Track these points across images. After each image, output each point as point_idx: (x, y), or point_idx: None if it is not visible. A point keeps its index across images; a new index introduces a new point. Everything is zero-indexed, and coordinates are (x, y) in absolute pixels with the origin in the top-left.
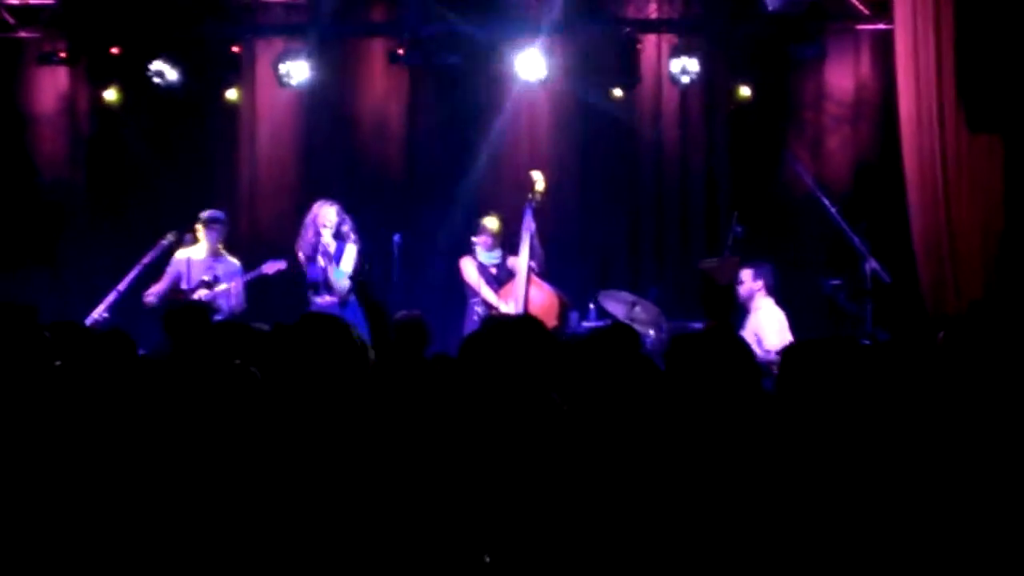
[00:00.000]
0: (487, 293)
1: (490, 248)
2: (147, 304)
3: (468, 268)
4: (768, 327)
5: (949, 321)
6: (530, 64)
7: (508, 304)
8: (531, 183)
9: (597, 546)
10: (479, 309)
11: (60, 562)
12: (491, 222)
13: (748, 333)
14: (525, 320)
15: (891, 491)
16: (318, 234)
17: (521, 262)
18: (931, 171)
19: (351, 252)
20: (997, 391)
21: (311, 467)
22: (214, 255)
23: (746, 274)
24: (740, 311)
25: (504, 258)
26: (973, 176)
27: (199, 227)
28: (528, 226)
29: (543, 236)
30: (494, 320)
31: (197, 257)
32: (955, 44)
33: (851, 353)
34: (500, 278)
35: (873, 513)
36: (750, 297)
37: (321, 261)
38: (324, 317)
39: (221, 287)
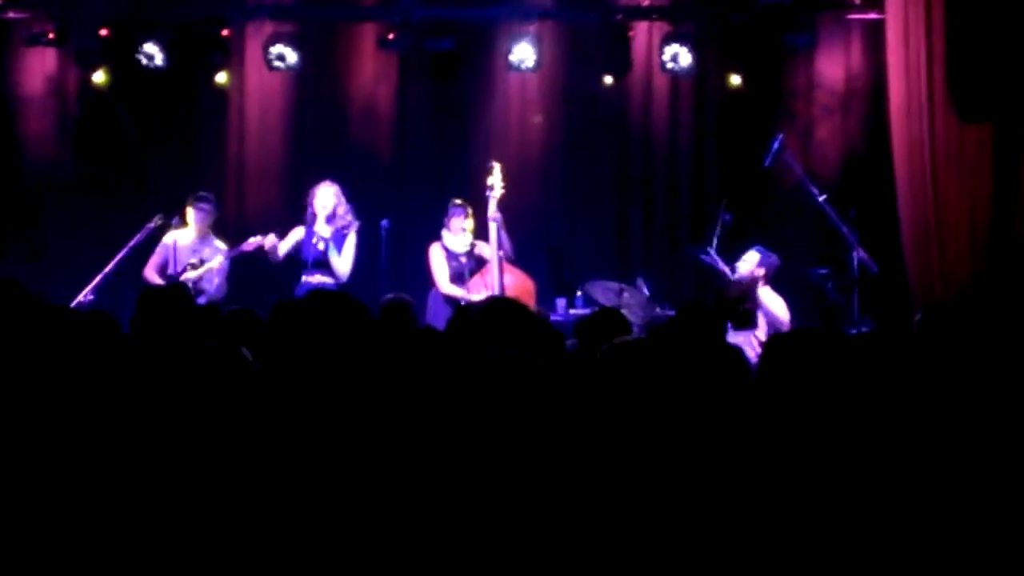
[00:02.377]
0: (444, 285)
1: (462, 232)
2: (148, 281)
3: (434, 255)
4: (779, 309)
5: (929, 309)
6: (521, 51)
7: (480, 294)
8: (489, 172)
9: (587, 536)
10: (463, 302)
11: (38, 552)
12: (458, 205)
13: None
14: (507, 302)
15: (872, 481)
16: (314, 216)
17: (486, 250)
18: (920, 161)
19: (351, 240)
20: (975, 377)
21: (315, 452)
22: (201, 237)
23: (751, 256)
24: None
25: (473, 247)
26: (962, 166)
27: (188, 207)
28: (493, 215)
29: (529, 222)
30: (470, 306)
31: (184, 240)
32: (945, 33)
33: (833, 343)
34: (471, 266)
35: (855, 503)
36: (748, 280)
37: (320, 246)
38: (331, 294)
39: (206, 267)
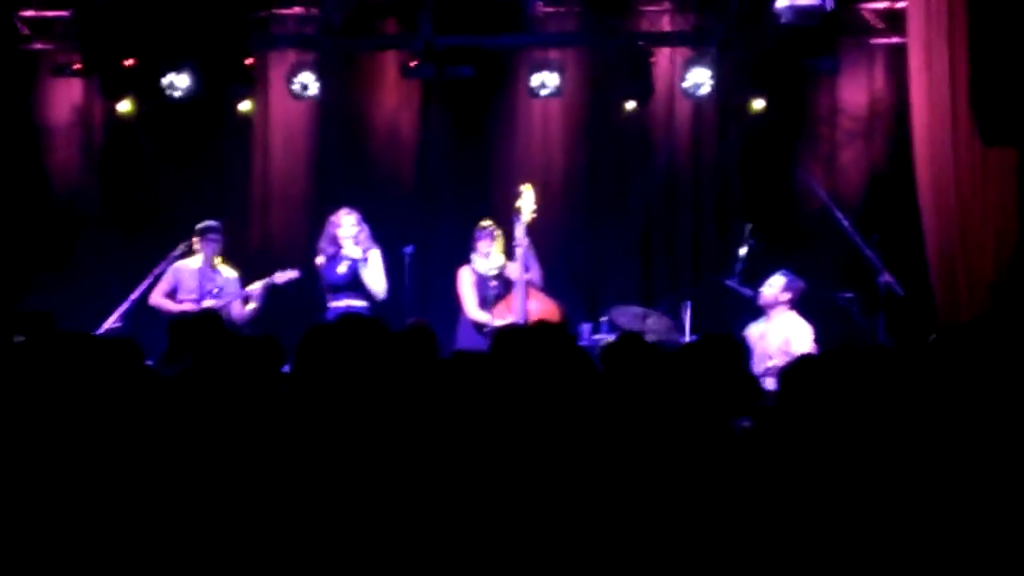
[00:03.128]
0: (472, 310)
1: (489, 255)
2: (157, 306)
3: (463, 279)
4: (799, 335)
5: (947, 329)
6: (543, 77)
7: (504, 319)
8: (519, 195)
9: (605, 548)
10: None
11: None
12: (489, 227)
13: (771, 336)
14: (542, 327)
15: (890, 502)
16: (336, 240)
17: (515, 275)
18: (945, 184)
19: (377, 257)
20: (990, 396)
21: (343, 475)
22: (210, 266)
23: (777, 280)
24: (754, 315)
25: (503, 268)
26: (987, 189)
27: (195, 238)
28: (520, 240)
29: (554, 248)
30: (505, 331)
31: (192, 267)
32: (968, 57)
33: (850, 361)
34: (500, 289)
35: (872, 527)
36: (772, 305)
37: (343, 268)
38: (363, 318)
39: (226, 296)
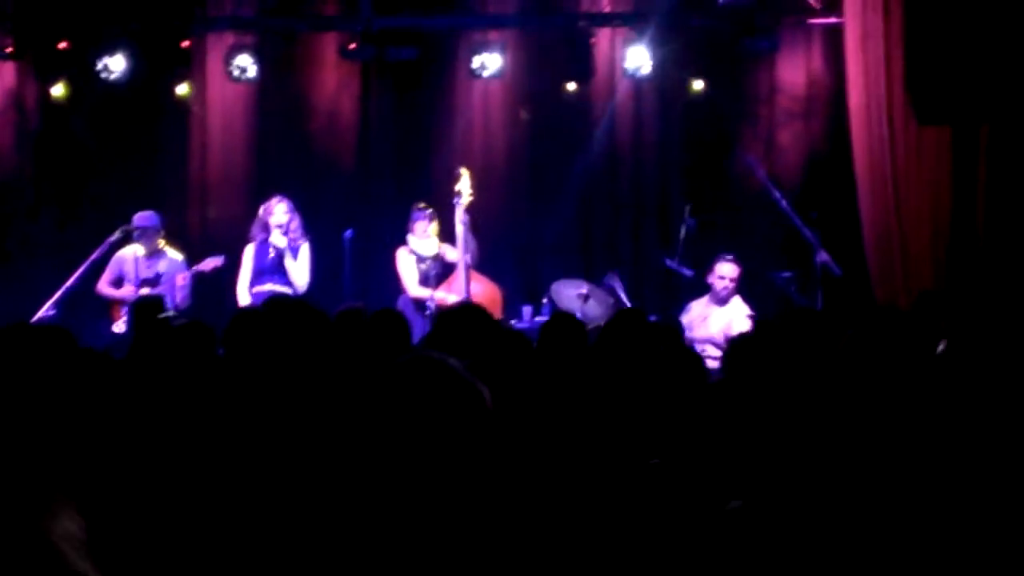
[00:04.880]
0: (413, 288)
1: (426, 236)
2: (102, 294)
3: (401, 260)
4: (740, 318)
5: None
6: (484, 58)
7: (449, 299)
8: (457, 178)
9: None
10: (431, 305)
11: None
12: (422, 211)
13: (714, 320)
14: (470, 307)
15: (842, 470)
16: (266, 228)
17: (454, 256)
18: (880, 163)
19: (305, 252)
20: (937, 378)
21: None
22: (153, 252)
23: (731, 269)
24: (694, 294)
25: (440, 251)
26: (922, 168)
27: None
28: (461, 221)
29: (495, 229)
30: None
31: (136, 254)
32: (904, 36)
33: (786, 327)
34: (436, 270)
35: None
36: (731, 294)
37: (271, 254)
38: (290, 300)
39: (165, 284)
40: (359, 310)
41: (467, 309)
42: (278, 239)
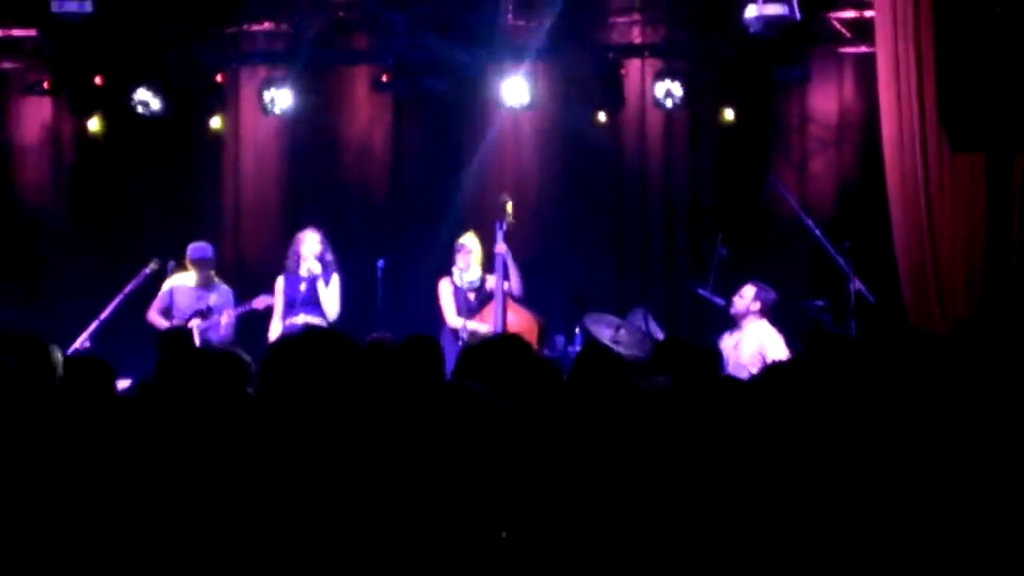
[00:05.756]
0: (451, 317)
1: (467, 268)
2: (152, 323)
3: (442, 290)
4: (772, 344)
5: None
6: (514, 89)
7: (481, 328)
8: (501, 206)
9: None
10: (463, 335)
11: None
12: (468, 241)
13: (744, 346)
14: (505, 339)
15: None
16: (299, 258)
17: (494, 285)
18: (914, 191)
19: (335, 282)
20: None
21: (313, 489)
22: (205, 283)
23: (748, 291)
24: (727, 324)
25: (483, 280)
26: (956, 195)
27: (188, 263)
28: (500, 249)
29: (527, 260)
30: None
31: (187, 285)
32: (936, 64)
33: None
34: (479, 300)
35: (862, 528)
36: (743, 315)
37: (303, 287)
38: (328, 331)
39: (216, 317)
40: (382, 341)
41: (498, 341)
42: (313, 264)
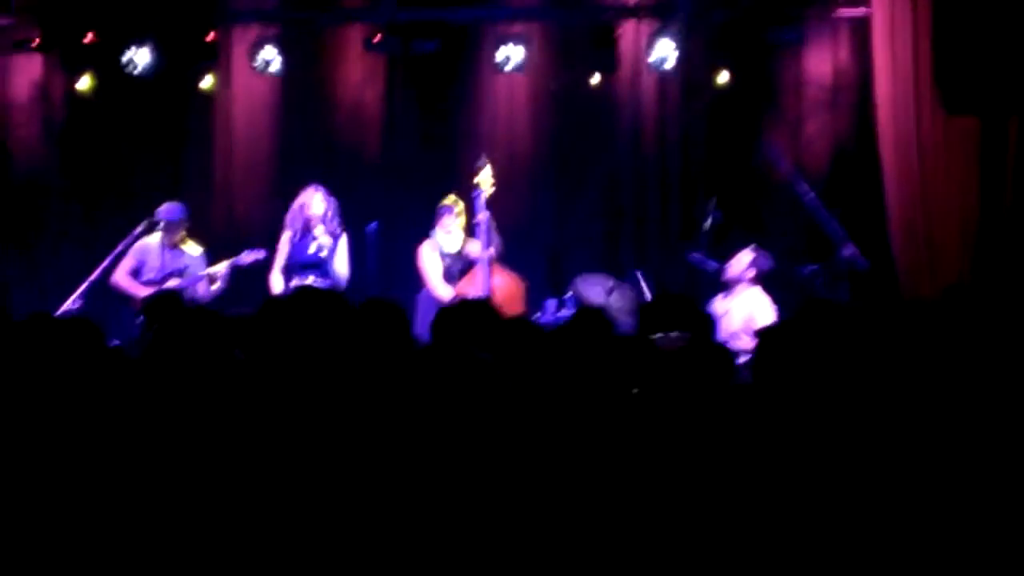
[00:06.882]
0: (436, 283)
1: (451, 233)
2: (118, 286)
3: (424, 255)
4: (762, 312)
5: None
6: (508, 50)
7: (467, 295)
8: (478, 170)
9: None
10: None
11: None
12: (453, 204)
13: (735, 313)
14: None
15: (875, 476)
16: (307, 219)
17: (475, 250)
18: (907, 155)
19: (343, 244)
20: (962, 373)
21: (306, 456)
22: (175, 246)
23: (745, 256)
24: (719, 288)
25: (465, 246)
26: (949, 160)
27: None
28: (481, 215)
29: (520, 223)
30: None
31: (157, 245)
32: (932, 27)
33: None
34: (461, 265)
35: (858, 502)
36: (737, 281)
37: (313, 248)
38: (321, 291)
39: (192, 278)
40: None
41: (467, 305)
42: (324, 238)
